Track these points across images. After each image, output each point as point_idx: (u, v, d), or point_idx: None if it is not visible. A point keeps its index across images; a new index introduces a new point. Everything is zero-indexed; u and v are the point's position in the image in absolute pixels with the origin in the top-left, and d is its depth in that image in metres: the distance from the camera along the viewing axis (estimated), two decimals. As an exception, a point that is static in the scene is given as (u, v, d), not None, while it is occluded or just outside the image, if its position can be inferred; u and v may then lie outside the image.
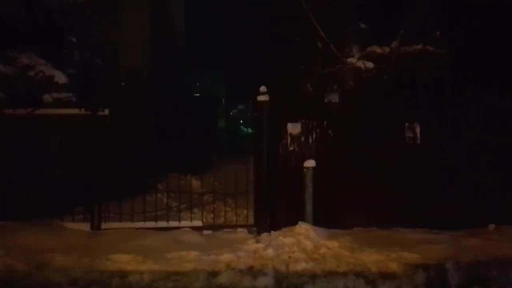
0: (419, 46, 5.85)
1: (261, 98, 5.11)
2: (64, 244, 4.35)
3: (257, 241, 4.64)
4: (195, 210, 6.57)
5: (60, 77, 6.62)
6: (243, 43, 11.51)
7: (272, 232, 4.88)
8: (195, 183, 9.44)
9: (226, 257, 4.01)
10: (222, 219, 6.14)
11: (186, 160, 12.70)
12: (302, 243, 4.56)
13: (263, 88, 5.12)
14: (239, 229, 5.12)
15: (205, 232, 4.98)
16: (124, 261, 3.97)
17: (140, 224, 4.99)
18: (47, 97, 6.48)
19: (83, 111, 4.94)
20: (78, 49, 7.86)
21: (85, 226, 4.93)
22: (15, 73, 6.20)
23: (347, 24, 6.57)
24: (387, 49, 5.95)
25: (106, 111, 4.92)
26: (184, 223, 5.11)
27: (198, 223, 5.16)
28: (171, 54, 28.95)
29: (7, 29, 6.64)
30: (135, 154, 8.77)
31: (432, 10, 5.67)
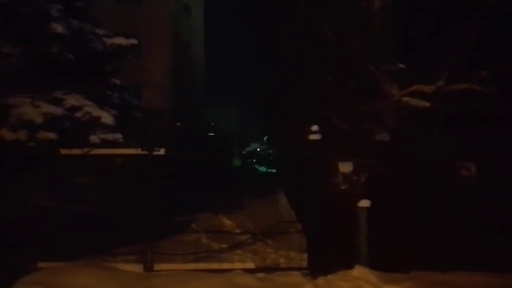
0: (465, 85, 5.87)
1: (313, 137, 5.11)
2: (119, 286, 4.24)
3: (315, 286, 4.47)
4: (238, 251, 6.47)
5: (106, 118, 6.79)
6: (271, 84, 11.73)
7: (328, 276, 4.70)
8: (229, 222, 9.35)
9: (290, 302, 3.83)
10: (268, 261, 5.98)
11: (209, 199, 12.67)
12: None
13: (315, 127, 5.14)
14: (293, 272, 4.93)
15: (258, 275, 4.81)
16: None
17: (192, 266, 4.86)
18: (94, 138, 6.61)
19: (139, 150, 4.98)
20: (118, 90, 8.12)
21: (138, 268, 4.83)
22: (64, 114, 6.37)
23: (388, 64, 6.69)
24: (433, 88, 5.99)
25: (162, 151, 4.96)
26: (236, 265, 4.96)
27: (251, 265, 5.01)
28: (191, 94, 29.67)
29: (54, 70, 6.94)
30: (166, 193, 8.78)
31: (476, 48, 5.74)
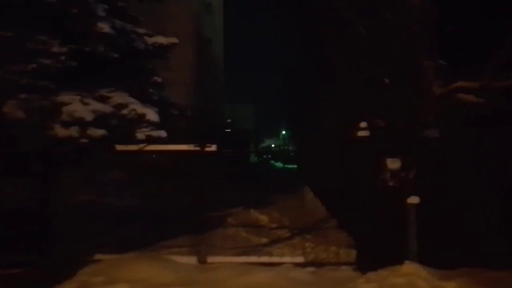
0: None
1: (362, 133, 5.15)
2: (180, 278, 4.38)
3: (368, 281, 4.52)
4: (279, 245, 6.57)
5: (151, 115, 6.96)
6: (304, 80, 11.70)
7: (378, 271, 4.74)
8: (262, 217, 9.46)
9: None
10: (311, 255, 6.05)
11: (236, 194, 12.80)
12: (416, 284, 4.40)
13: (364, 124, 5.18)
14: (342, 267, 5.00)
15: (308, 269, 4.90)
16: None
17: (243, 259, 4.99)
18: (139, 134, 6.80)
19: (191, 147, 5.12)
20: (157, 88, 8.30)
21: (192, 260, 4.97)
22: (111, 112, 6.57)
23: (429, 59, 6.65)
24: (477, 84, 5.94)
25: (214, 147, 5.08)
26: (286, 259, 5.06)
27: (300, 259, 5.10)
28: (211, 91, 29.86)
29: (99, 69, 7.16)
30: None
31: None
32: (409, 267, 4.71)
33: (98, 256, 5.14)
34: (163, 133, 7.00)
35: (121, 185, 9.60)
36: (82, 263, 5.06)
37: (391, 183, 5.27)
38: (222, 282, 4.35)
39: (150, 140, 6.81)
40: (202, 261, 4.95)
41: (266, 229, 7.78)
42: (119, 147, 5.16)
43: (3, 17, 6.12)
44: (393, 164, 5.25)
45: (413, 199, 5.03)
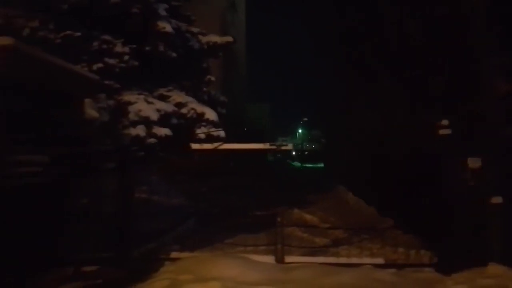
0: None
1: (443, 131, 5.03)
2: (265, 277, 4.35)
3: (456, 282, 4.41)
4: (345, 246, 6.50)
5: (210, 114, 6.97)
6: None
7: (463, 273, 4.62)
8: (309, 217, 9.39)
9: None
10: (380, 256, 5.95)
11: (270, 193, 12.68)
12: (508, 286, 4.27)
13: (445, 121, 5.06)
14: (425, 269, 4.89)
15: (388, 270, 4.80)
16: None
17: (321, 259, 4.94)
18: (199, 132, 6.82)
19: (267, 145, 5.09)
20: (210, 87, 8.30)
21: (269, 259, 4.95)
22: (173, 111, 6.60)
23: (492, 56, 6.46)
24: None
25: (290, 145, 5.03)
26: (365, 260, 4.98)
27: (380, 260, 5.01)
28: (235, 89, 29.93)
29: (158, 68, 7.20)
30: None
31: None
32: (496, 269, 4.58)
33: (174, 254, 5.16)
34: (222, 132, 7.00)
35: (163, 184, 9.69)
36: (159, 260, 5.10)
37: (472, 183, 5.13)
38: (307, 282, 4.29)
39: (210, 139, 6.82)
40: (279, 260, 4.91)
41: (320, 229, 7.70)
42: (194, 146, 5.16)
43: (71, 18, 6.20)
44: (474, 163, 5.11)
45: (497, 199, 4.88)
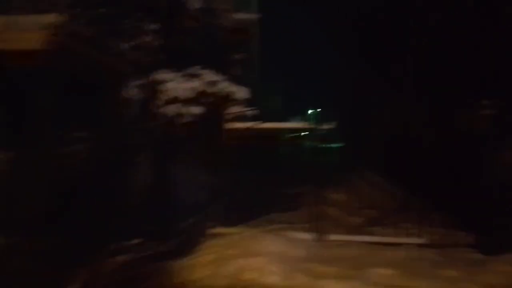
0: None
1: (485, 112, 4.93)
2: (312, 254, 4.38)
3: (502, 263, 4.38)
4: (379, 225, 6.48)
5: (241, 93, 6.87)
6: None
7: (509, 253, 4.59)
8: (338, 196, 9.33)
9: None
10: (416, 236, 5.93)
11: (287, 172, 12.55)
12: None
13: (486, 101, 4.94)
14: (465, 249, 4.87)
15: (432, 250, 4.79)
16: (389, 275, 3.89)
17: (367, 238, 4.97)
18: (230, 111, 6.76)
19: (306, 124, 5.03)
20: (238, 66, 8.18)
21: (307, 236, 4.97)
22: (204, 89, 6.51)
23: None
24: None
25: (333, 124, 4.98)
26: (408, 239, 4.98)
27: (422, 240, 5.00)
28: (249, 78, 29.71)
29: (189, 46, 7.09)
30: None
31: None
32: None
33: (216, 230, 5.20)
34: (254, 111, 6.92)
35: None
36: (201, 235, 5.15)
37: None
38: (354, 260, 4.31)
39: (241, 117, 6.76)
40: (321, 238, 4.92)
41: (351, 209, 7.69)
42: (230, 125, 5.13)
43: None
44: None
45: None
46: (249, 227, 5.45)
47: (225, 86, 6.93)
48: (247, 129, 5.16)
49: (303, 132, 5.04)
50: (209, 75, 6.96)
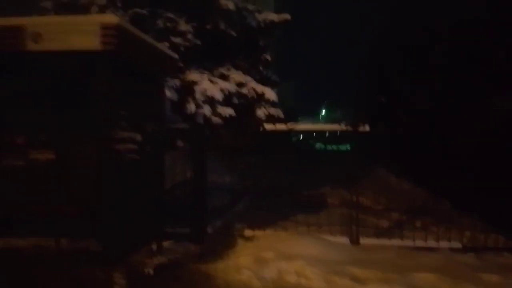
0: None
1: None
2: (350, 257, 4.40)
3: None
4: (407, 228, 6.44)
5: (270, 94, 6.93)
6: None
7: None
8: (361, 198, 9.33)
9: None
10: (448, 240, 5.88)
11: (306, 173, 12.57)
12: None
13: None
14: (504, 253, 4.82)
15: (469, 254, 4.76)
16: (431, 280, 3.88)
17: (398, 242, 4.94)
18: (260, 113, 6.81)
19: (343, 126, 5.03)
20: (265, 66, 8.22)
21: (343, 240, 4.98)
22: (236, 90, 6.59)
23: None
24: None
25: (366, 127, 4.97)
26: (443, 243, 4.95)
27: (457, 244, 4.96)
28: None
29: (217, 47, 7.15)
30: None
31: None
32: None
33: (247, 232, 5.26)
34: (280, 112, 6.96)
35: (212, 162, 9.78)
36: (233, 237, 5.21)
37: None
38: (392, 264, 4.31)
39: (270, 119, 6.81)
40: (354, 241, 4.94)
41: (377, 211, 7.65)
42: (267, 126, 5.16)
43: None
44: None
45: None
46: (280, 229, 5.49)
47: (255, 87, 6.99)
48: (286, 130, 5.17)
49: (338, 133, 5.02)
50: (239, 76, 7.04)
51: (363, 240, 5.01)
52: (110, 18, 3.46)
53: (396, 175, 12.03)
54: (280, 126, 5.25)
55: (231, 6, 6.63)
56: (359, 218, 7.19)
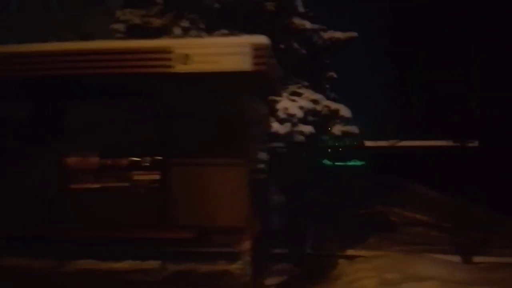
0: None
1: None
2: (473, 277, 4.28)
3: None
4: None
5: (344, 111, 6.91)
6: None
7: None
8: (419, 216, 9.21)
9: None
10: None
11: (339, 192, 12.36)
12: None
13: None
14: None
15: None
16: None
17: (506, 260, 4.84)
18: (336, 129, 6.78)
19: (450, 142, 4.99)
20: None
21: (455, 258, 4.88)
22: (312, 108, 6.57)
23: None
24: None
25: (475, 143, 4.94)
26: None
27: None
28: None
29: (289, 66, 7.16)
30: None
31: None
32: None
33: (350, 252, 5.16)
34: (355, 129, 6.94)
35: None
36: (334, 257, 5.10)
37: None
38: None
39: (345, 135, 6.77)
40: (467, 260, 4.83)
41: (442, 229, 7.53)
42: (368, 143, 5.13)
43: (217, 16, 6.24)
44: None
45: None
46: (376, 249, 5.39)
47: (329, 104, 6.98)
48: (387, 147, 5.13)
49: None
50: (310, 93, 7.03)
51: (477, 259, 4.90)
52: (261, 39, 3.47)
53: (438, 191, 11.89)
54: (382, 143, 5.19)
55: (308, 25, 6.67)
56: (432, 235, 7.14)
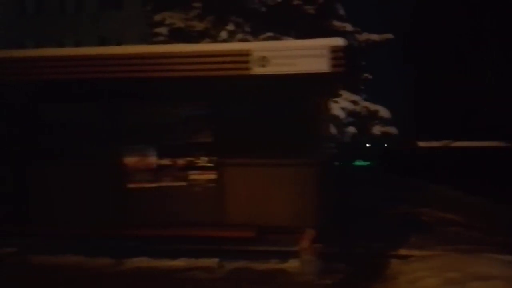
0: None
1: None
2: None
3: None
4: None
5: (383, 112, 6.97)
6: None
7: None
8: (450, 216, 9.21)
9: None
10: None
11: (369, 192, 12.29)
12: None
13: None
14: None
15: None
16: None
17: None
18: (375, 130, 6.84)
19: (502, 143, 5.03)
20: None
21: (508, 258, 4.90)
22: (353, 109, 6.64)
23: None
24: None
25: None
26: None
27: None
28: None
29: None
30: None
31: None
32: None
33: (402, 251, 5.20)
34: (393, 129, 7.00)
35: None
36: (386, 257, 5.13)
37: None
38: None
39: (385, 136, 6.83)
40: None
41: (479, 229, 7.54)
42: (422, 143, 5.17)
43: (261, 20, 6.32)
44: None
45: None
46: (426, 249, 5.41)
47: (368, 105, 7.05)
48: (440, 147, 5.17)
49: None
50: (348, 95, 7.10)
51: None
52: (338, 41, 3.54)
53: (462, 191, 11.86)
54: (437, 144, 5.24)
55: (348, 28, 6.75)
56: (472, 236, 7.13)
